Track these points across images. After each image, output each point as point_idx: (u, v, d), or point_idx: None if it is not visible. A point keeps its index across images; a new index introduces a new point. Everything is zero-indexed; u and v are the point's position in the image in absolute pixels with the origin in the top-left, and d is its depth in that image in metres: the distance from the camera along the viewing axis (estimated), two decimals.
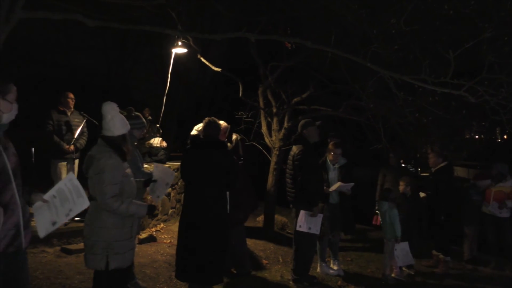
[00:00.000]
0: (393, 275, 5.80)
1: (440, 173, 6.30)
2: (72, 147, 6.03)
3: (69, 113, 6.23)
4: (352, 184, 5.73)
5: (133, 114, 4.47)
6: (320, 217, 5.19)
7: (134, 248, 3.38)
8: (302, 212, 5.12)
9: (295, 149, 5.29)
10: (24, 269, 2.55)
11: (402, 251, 5.61)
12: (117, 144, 3.24)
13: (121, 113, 3.51)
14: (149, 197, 5.37)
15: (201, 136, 4.52)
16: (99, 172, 3.11)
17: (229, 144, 6.81)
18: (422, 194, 6.46)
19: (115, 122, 3.27)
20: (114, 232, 3.18)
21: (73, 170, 6.23)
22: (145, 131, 5.50)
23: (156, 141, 7.54)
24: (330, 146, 5.97)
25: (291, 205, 5.39)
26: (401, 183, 6.13)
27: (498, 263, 6.69)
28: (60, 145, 6.03)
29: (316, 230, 5.15)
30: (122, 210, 3.15)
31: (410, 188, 6.09)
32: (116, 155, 3.19)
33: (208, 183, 4.30)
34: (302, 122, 5.44)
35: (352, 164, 6.14)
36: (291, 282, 5.32)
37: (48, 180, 6.50)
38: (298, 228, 5.15)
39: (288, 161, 5.34)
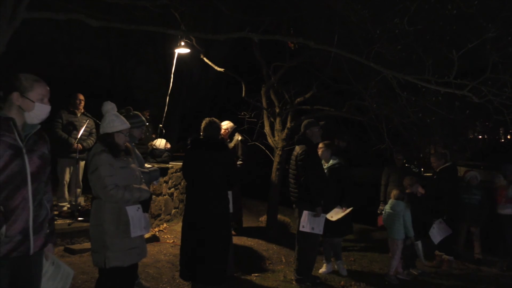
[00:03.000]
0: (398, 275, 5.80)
1: (444, 173, 6.28)
2: (80, 146, 6.04)
3: (78, 114, 6.33)
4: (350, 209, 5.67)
5: (131, 113, 4.41)
6: (323, 217, 5.18)
7: (136, 247, 3.37)
8: (305, 213, 5.11)
9: (298, 149, 5.29)
10: (32, 273, 2.43)
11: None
12: (103, 141, 3.35)
13: (121, 112, 3.55)
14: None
15: (202, 136, 4.52)
16: (95, 169, 3.24)
17: (230, 144, 6.82)
18: (421, 191, 6.42)
19: (103, 120, 3.43)
20: (110, 230, 3.24)
21: (77, 170, 6.25)
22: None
23: (159, 143, 7.53)
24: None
25: (294, 205, 5.39)
26: (411, 183, 6.07)
27: (503, 264, 6.66)
28: (69, 141, 6.07)
29: (319, 230, 5.15)
30: (127, 197, 3.27)
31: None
32: (107, 151, 3.28)
33: (210, 183, 4.31)
34: (305, 122, 5.43)
35: (343, 167, 5.99)
36: (294, 282, 5.31)
37: (53, 179, 6.52)
38: (301, 229, 5.15)
39: (291, 161, 5.34)
